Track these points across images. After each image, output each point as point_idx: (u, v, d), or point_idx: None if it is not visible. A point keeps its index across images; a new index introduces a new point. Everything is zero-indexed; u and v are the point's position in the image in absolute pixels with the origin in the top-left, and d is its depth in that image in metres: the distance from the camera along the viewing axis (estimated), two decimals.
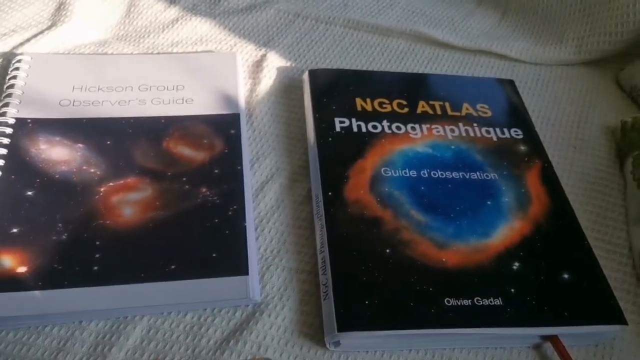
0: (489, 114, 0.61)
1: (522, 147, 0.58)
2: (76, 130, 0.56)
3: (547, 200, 0.54)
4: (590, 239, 0.54)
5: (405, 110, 0.60)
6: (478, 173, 0.55)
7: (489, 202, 0.53)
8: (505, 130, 0.60)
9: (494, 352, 0.46)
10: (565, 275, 0.48)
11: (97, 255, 0.47)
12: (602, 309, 0.47)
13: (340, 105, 0.60)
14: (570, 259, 0.50)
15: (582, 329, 0.46)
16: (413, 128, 0.58)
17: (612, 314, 0.47)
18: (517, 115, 0.62)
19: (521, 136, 0.60)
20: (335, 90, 0.61)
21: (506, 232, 0.51)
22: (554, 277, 0.48)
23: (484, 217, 0.52)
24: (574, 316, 0.46)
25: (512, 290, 0.47)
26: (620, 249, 0.54)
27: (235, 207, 0.52)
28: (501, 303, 0.46)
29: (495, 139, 0.59)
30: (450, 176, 0.54)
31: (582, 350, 0.47)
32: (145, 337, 0.45)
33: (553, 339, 0.46)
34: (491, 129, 0.60)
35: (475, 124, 0.60)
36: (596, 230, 0.55)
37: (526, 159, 0.57)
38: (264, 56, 0.68)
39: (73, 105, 0.58)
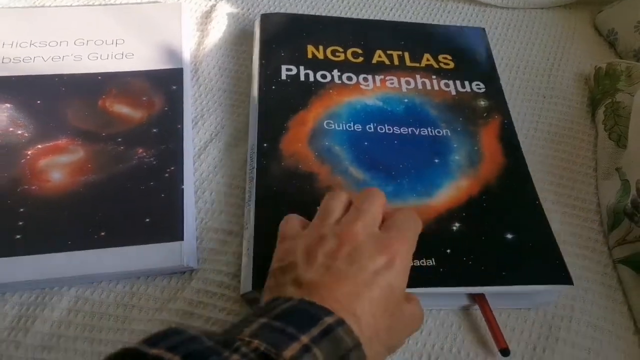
0: (451, 65, 0.57)
1: (482, 102, 0.54)
2: (4, 89, 0.52)
3: (502, 158, 0.50)
4: (556, 194, 0.51)
5: (360, 59, 0.56)
6: (429, 129, 0.51)
7: (436, 160, 0.49)
8: (467, 83, 0.56)
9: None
10: (509, 236, 0.45)
11: (21, 223, 0.44)
12: (545, 268, 0.44)
13: (289, 52, 0.56)
14: (517, 219, 0.46)
15: (525, 288, 0.43)
16: (365, 79, 0.54)
17: (556, 274, 0.43)
18: (482, 67, 0.58)
19: (483, 90, 0.55)
20: (286, 35, 0.57)
21: (451, 191, 0.47)
22: (496, 237, 0.45)
23: (429, 175, 0.48)
24: (512, 276, 0.42)
25: (448, 251, 0.43)
26: (587, 204, 0.51)
27: (172, 168, 0.48)
28: (434, 264, 0.43)
29: (454, 92, 0.55)
30: (399, 132, 0.50)
31: (541, 312, 0.44)
32: (72, 309, 0.42)
33: (479, 297, 0.43)
34: (450, 82, 0.55)
35: (434, 77, 0.56)
36: (562, 185, 0.52)
37: (485, 114, 0.53)
38: (213, 6, 0.63)
39: (2, 62, 0.54)
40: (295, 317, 0.32)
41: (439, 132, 0.51)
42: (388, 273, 0.35)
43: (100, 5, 0.62)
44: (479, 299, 0.43)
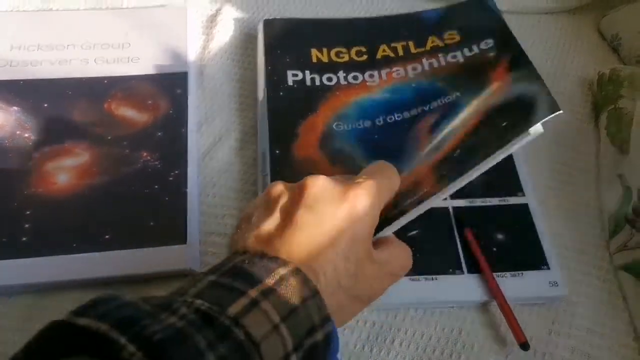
0: (457, 39, 0.56)
1: (491, 53, 0.53)
2: (11, 93, 0.52)
3: (508, 76, 0.47)
4: (557, 199, 0.51)
5: (364, 57, 0.56)
6: (438, 100, 0.50)
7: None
8: (474, 46, 0.54)
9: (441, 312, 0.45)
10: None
11: (27, 226, 0.45)
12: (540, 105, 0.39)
13: (294, 56, 0.56)
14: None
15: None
16: (371, 75, 0.54)
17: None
18: (489, 25, 0.56)
19: (492, 44, 0.54)
20: (290, 40, 0.57)
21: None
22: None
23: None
24: None
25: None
26: (589, 210, 0.51)
27: (177, 172, 0.49)
28: None
29: (462, 60, 0.54)
30: (408, 115, 0.50)
31: (540, 317, 0.45)
32: None
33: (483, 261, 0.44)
34: (458, 53, 0.55)
35: (440, 55, 0.55)
36: (564, 191, 0.52)
37: (494, 61, 0.51)
38: (218, 10, 0.63)
39: (10, 65, 0.55)
40: (245, 271, 0.30)
41: (448, 99, 0.50)
42: (350, 221, 0.34)
43: (106, 9, 0.62)
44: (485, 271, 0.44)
